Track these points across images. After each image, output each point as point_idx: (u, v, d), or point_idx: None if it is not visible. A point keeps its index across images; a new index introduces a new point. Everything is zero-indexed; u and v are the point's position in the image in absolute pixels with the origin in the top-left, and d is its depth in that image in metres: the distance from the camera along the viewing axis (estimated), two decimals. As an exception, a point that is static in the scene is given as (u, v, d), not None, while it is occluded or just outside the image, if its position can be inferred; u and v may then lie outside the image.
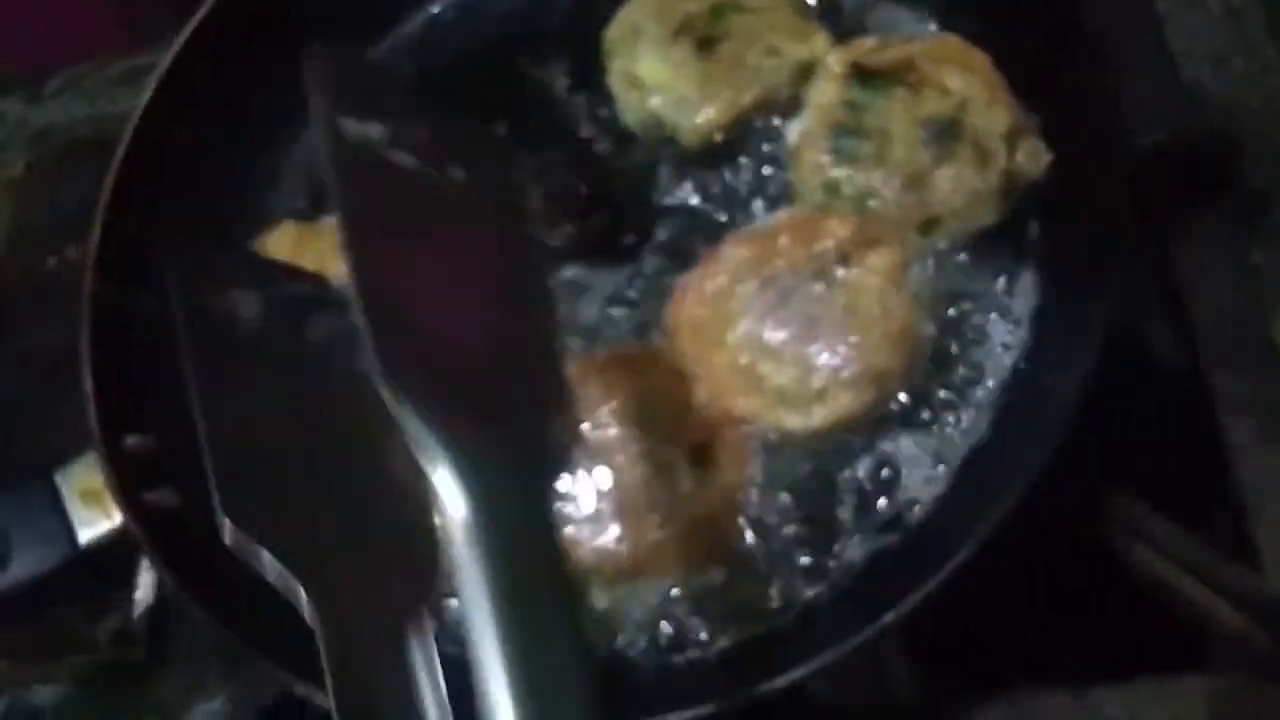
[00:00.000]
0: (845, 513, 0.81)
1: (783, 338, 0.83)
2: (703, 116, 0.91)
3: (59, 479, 0.86)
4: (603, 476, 0.81)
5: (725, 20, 0.92)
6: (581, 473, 0.81)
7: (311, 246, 0.92)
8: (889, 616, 0.71)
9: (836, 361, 0.81)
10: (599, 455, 0.81)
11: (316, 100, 0.58)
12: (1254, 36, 1.01)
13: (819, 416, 0.81)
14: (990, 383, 0.83)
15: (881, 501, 0.81)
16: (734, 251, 0.86)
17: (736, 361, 0.83)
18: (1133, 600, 0.84)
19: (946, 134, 0.86)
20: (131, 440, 0.84)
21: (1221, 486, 0.86)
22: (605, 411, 0.82)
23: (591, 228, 0.92)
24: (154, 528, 0.80)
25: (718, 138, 0.91)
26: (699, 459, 0.82)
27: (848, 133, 0.88)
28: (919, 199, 0.85)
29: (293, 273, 0.76)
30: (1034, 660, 0.84)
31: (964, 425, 0.82)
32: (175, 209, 0.95)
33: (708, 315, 0.85)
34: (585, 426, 0.82)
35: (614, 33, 0.96)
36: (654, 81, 0.92)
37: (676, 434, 0.82)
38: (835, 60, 0.89)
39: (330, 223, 0.93)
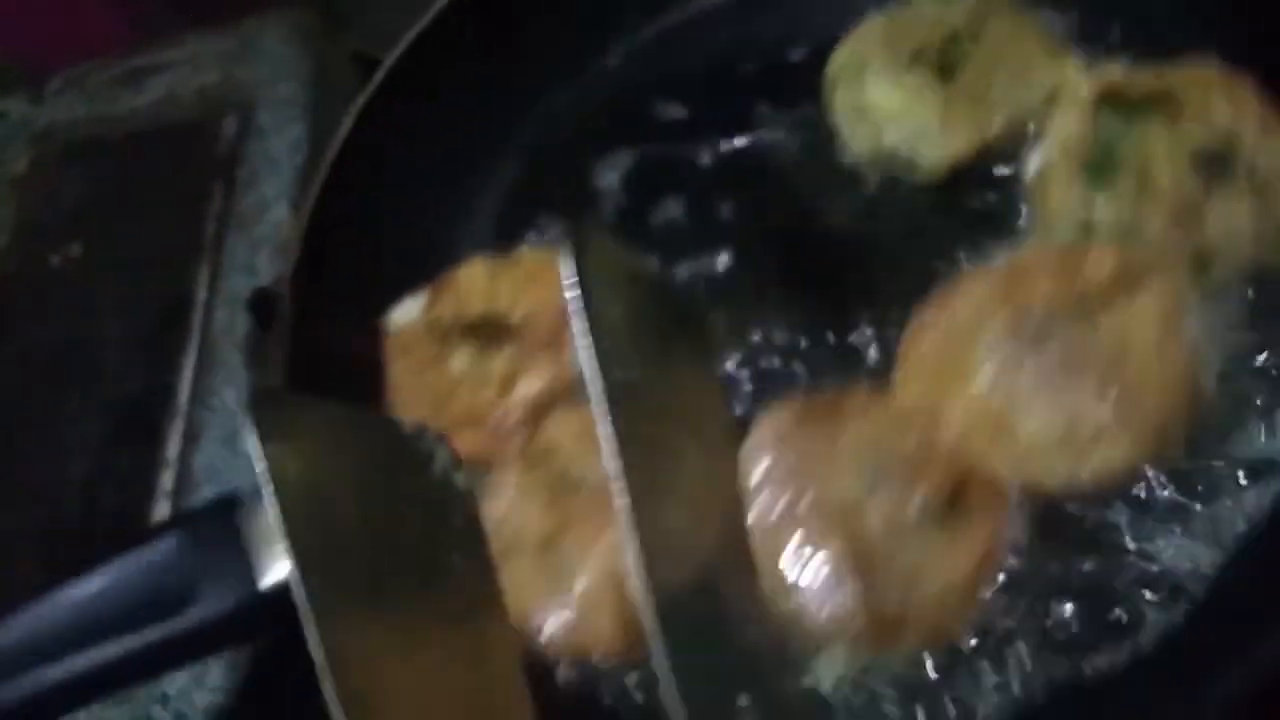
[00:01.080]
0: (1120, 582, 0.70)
1: (1040, 385, 0.73)
2: (945, 148, 0.84)
3: (240, 518, 0.80)
4: (838, 530, 0.71)
5: (962, 48, 0.86)
6: (814, 529, 0.72)
7: (505, 278, 0.89)
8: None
9: (1107, 410, 0.71)
10: (828, 516, 0.72)
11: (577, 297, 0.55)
12: None
13: (1090, 467, 0.71)
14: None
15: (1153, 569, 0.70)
16: (975, 286, 0.78)
17: (985, 405, 0.74)
18: None
19: (1217, 164, 0.78)
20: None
21: None
22: (834, 457, 0.74)
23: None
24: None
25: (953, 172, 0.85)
26: (947, 509, 0.71)
27: (1101, 165, 0.80)
28: (1190, 234, 0.76)
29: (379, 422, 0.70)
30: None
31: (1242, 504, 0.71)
32: (368, 246, 0.93)
33: (946, 354, 0.76)
34: (814, 473, 0.74)
35: (837, 64, 0.91)
36: (888, 111, 0.86)
37: (918, 480, 0.72)
38: (1083, 88, 0.82)
39: (520, 254, 0.92)
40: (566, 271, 0.58)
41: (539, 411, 0.83)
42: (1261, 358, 0.74)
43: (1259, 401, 0.73)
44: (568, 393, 0.83)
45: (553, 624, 0.74)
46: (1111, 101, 0.81)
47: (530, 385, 0.84)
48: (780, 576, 0.72)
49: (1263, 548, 0.70)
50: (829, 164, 0.89)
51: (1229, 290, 0.76)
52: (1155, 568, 0.70)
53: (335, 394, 0.79)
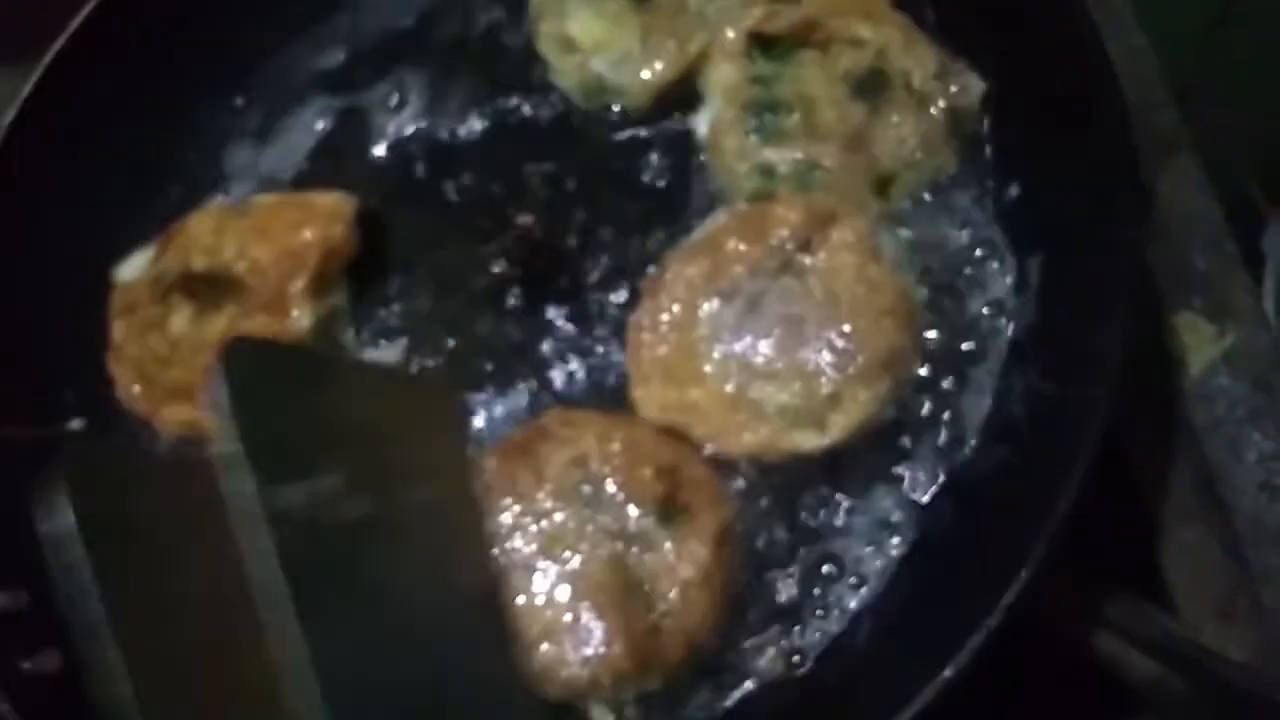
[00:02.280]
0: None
1: (769, 350, 0.71)
2: (649, 72, 0.80)
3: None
4: (566, 573, 0.67)
5: None
6: (540, 575, 0.68)
7: (232, 229, 0.80)
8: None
9: (839, 357, 0.70)
10: (553, 549, 0.68)
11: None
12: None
13: (840, 425, 0.69)
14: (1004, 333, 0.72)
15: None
16: (682, 271, 0.74)
17: (723, 393, 0.71)
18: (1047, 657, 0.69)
19: (873, 85, 0.77)
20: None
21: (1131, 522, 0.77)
22: (542, 498, 0.69)
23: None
24: (31, 700, 0.65)
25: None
26: (668, 512, 0.69)
27: (765, 108, 0.78)
28: (865, 159, 0.75)
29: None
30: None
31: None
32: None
33: (674, 351, 0.73)
34: (525, 519, 0.69)
35: None
36: (591, 41, 0.82)
37: (635, 494, 0.69)
38: (730, 36, 0.80)
39: (252, 202, 0.83)
40: (215, 392, 0.50)
41: None
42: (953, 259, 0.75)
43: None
44: None
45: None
46: (761, 44, 0.79)
47: None
48: (525, 633, 0.67)
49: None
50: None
51: (915, 204, 0.77)
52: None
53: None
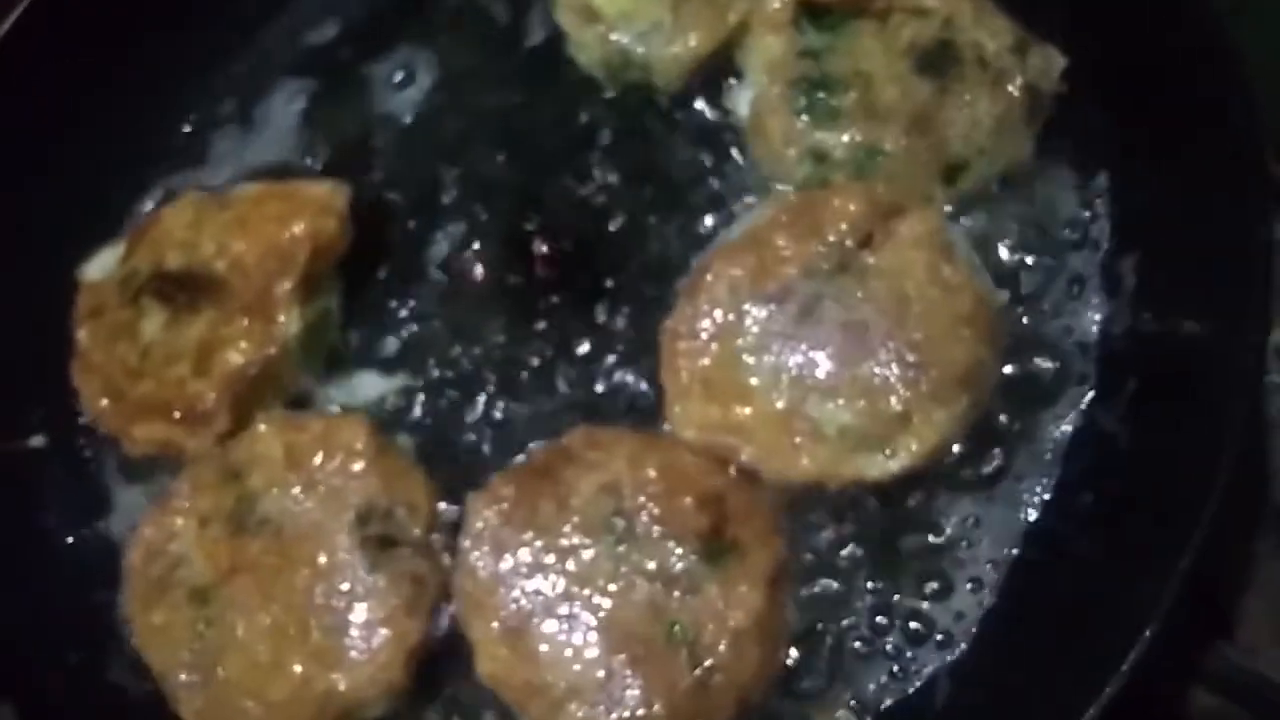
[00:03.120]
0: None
1: (827, 362, 0.62)
2: (682, 45, 0.71)
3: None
4: (597, 620, 0.59)
5: None
6: (566, 623, 0.59)
7: (211, 222, 0.72)
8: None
9: (909, 371, 0.60)
10: (582, 591, 0.59)
11: None
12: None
13: (910, 449, 0.60)
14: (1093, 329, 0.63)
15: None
16: (724, 271, 0.65)
17: (774, 410, 0.62)
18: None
19: (940, 60, 0.68)
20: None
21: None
22: (568, 531, 0.60)
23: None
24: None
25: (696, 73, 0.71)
26: (714, 550, 0.60)
27: (816, 85, 0.69)
28: (932, 143, 0.66)
29: None
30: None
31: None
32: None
33: (716, 363, 0.63)
34: (549, 556, 0.60)
35: None
36: (616, 10, 0.72)
37: (675, 529, 0.60)
38: (774, 5, 0.70)
39: (235, 192, 0.74)
40: None
41: (241, 392, 0.67)
42: (1031, 260, 0.66)
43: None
44: (277, 370, 0.68)
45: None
46: (810, 12, 0.70)
47: (231, 359, 0.67)
48: (547, 693, 0.58)
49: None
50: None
51: (984, 196, 0.68)
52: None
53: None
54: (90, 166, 0.77)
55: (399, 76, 0.78)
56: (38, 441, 0.74)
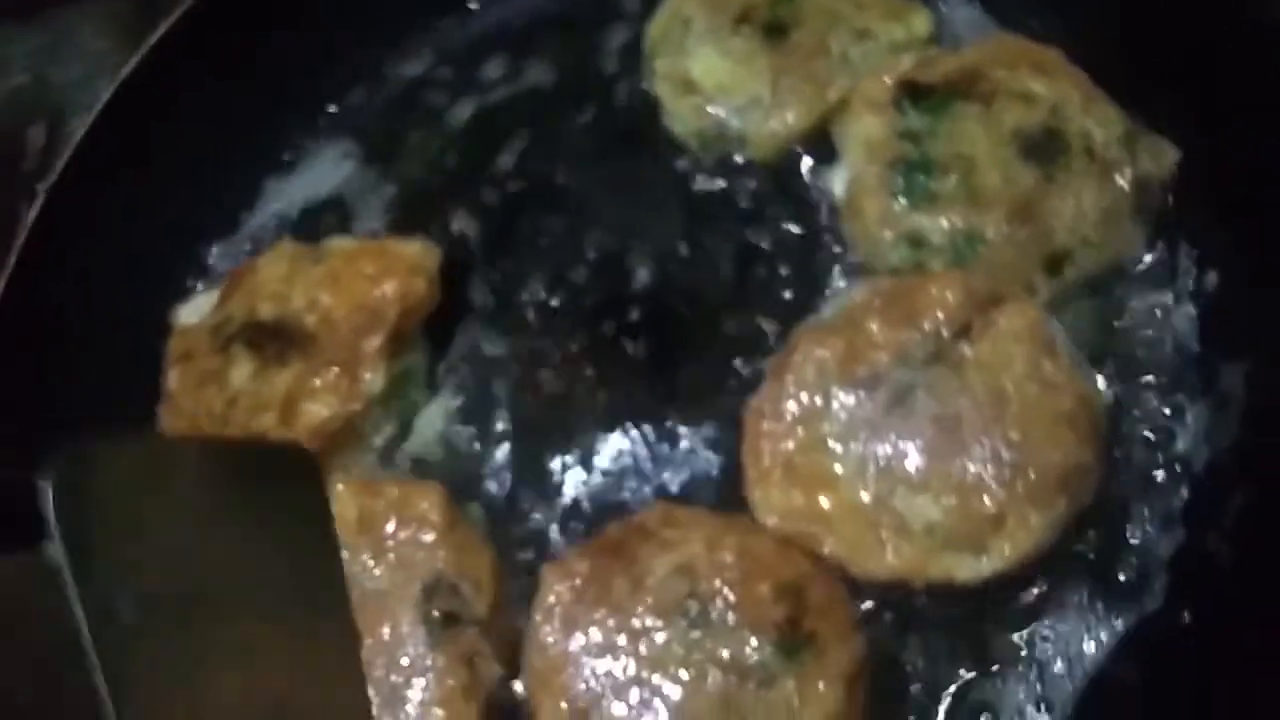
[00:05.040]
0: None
1: (917, 455, 0.60)
2: (779, 121, 0.71)
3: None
4: (667, 707, 0.57)
5: (794, 3, 0.72)
6: (635, 709, 0.57)
7: (303, 275, 0.72)
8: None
9: (1005, 471, 0.58)
10: (652, 675, 0.57)
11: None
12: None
13: (1002, 552, 0.57)
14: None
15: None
16: (812, 352, 0.64)
17: (859, 502, 0.60)
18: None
19: (1046, 147, 0.66)
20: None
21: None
22: (641, 612, 0.59)
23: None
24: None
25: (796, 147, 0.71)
26: (791, 643, 0.57)
27: (915, 168, 0.68)
28: (1035, 232, 0.65)
29: None
30: None
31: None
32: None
33: (800, 448, 0.62)
34: (619, 637, 0.58)
35: (658, 28, 0.75)
36: (714, 83, 0.72)
37: (751, 617, 0.58)
38: (875, 84, 0.69)
39: (329, 245, 0.74)
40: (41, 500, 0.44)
41: (325, 445, 0.66)
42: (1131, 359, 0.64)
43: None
44: (360, 425, 0.68)
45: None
46: (912, 94, 0.69)
47: (315, 411, 0.67)
48: None
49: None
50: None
51: (1086, 289, 0.66)
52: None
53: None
54: (199, 208, 0.78)
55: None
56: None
